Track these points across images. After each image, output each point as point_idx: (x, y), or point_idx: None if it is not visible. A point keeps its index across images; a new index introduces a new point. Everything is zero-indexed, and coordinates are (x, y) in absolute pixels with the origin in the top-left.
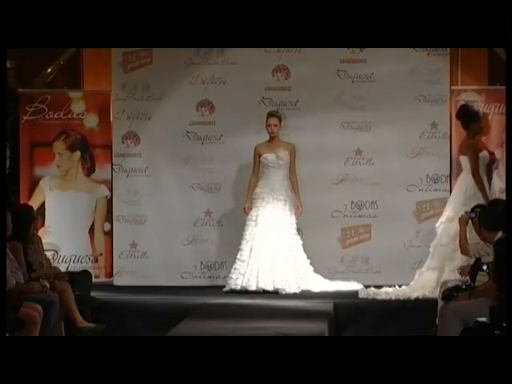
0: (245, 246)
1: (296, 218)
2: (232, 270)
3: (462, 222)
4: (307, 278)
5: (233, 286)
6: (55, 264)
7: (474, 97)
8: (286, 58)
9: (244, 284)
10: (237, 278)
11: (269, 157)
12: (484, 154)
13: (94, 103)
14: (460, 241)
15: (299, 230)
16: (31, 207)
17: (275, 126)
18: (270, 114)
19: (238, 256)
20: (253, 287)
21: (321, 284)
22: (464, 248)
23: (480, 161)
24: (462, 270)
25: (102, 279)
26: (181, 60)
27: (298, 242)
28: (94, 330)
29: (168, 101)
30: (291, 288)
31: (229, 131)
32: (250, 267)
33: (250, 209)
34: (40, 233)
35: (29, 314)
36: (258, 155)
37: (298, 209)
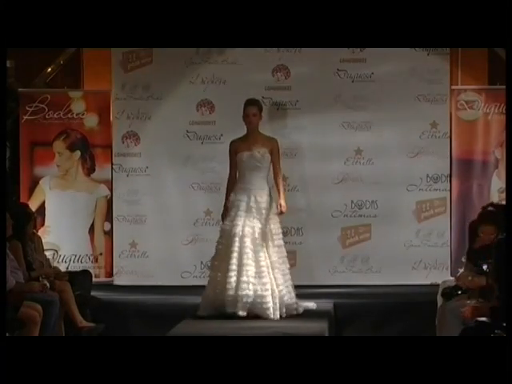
0: (230, 269)
1: (280, 227)
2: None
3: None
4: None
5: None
6: (55, 264)
7: (474, 97)
8: (286, 58)
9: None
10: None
11: (244, 155)
12: None
13: (94, 103)
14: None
15: (298, 230)
16: (27, 205)
17: (254, 115)
18: (249, 103)
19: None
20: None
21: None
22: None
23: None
24: (459, 277)
25: (102, 279)
26: (181, 60)
27: (284, 257)
28: (94, 330)
29: (168, 101)
30: (291, 311)
31: (229, 131)
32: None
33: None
34: (40, 232)
35: (29, 313)
36: (234, 153)
37: (279, 208)
